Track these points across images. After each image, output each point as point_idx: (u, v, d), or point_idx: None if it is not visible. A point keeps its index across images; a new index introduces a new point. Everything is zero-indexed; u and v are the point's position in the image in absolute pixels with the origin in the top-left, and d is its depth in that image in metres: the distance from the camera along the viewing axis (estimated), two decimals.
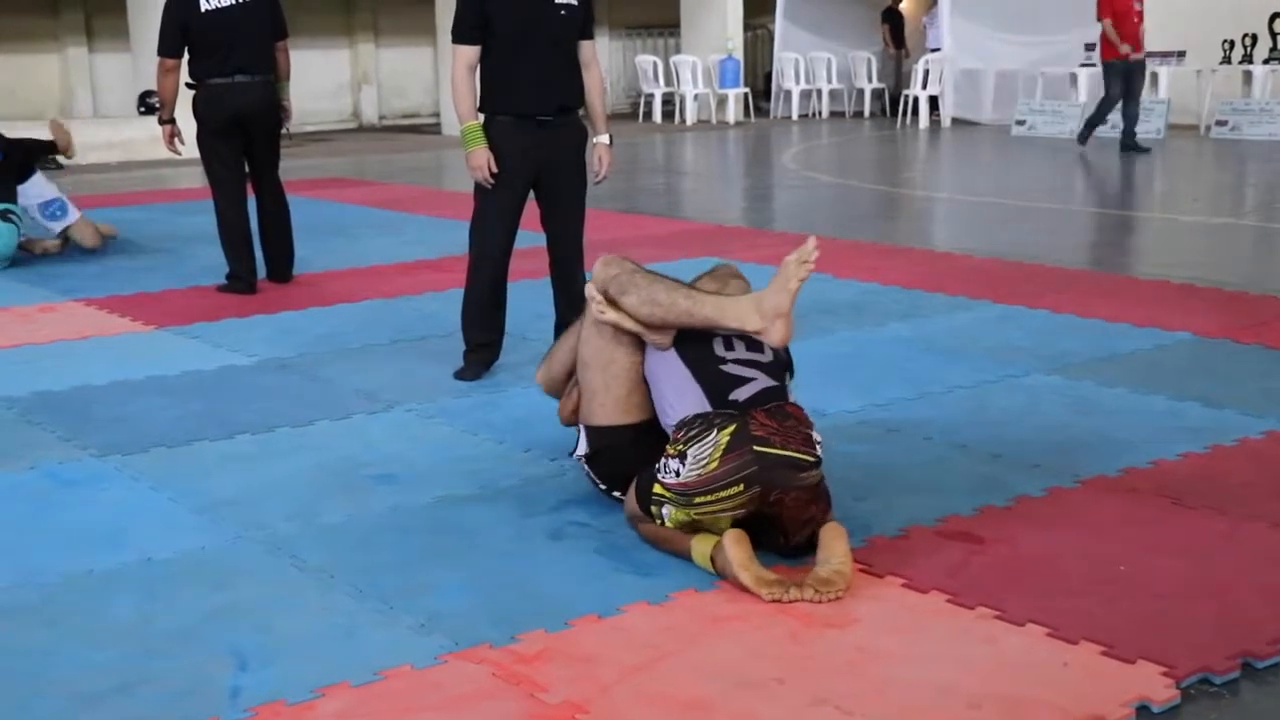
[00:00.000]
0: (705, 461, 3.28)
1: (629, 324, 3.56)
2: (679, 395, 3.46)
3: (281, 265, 7.46)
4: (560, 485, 4.04)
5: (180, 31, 6.96)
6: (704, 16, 19.82)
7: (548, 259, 5.47)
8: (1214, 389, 4.88)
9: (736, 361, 3.47)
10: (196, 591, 3.33)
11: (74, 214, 8.36)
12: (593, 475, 3.78)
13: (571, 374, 3.92)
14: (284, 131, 7.42)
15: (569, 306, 5.47)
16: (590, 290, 3.64)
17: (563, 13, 5.11)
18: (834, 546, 3.25)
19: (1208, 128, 15.46)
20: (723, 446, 3.27)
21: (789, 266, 3.36)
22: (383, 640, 3.04)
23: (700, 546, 3.34)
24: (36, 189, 8.25)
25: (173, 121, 7.23)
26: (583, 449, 3.73)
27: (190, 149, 7.39)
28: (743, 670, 2.86)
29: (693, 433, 3.35)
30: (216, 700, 2.78)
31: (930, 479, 3.67)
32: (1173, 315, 6.07)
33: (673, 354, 3.52)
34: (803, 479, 3.29)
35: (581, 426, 3.75)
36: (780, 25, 20.21)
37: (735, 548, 3.21)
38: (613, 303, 3.57)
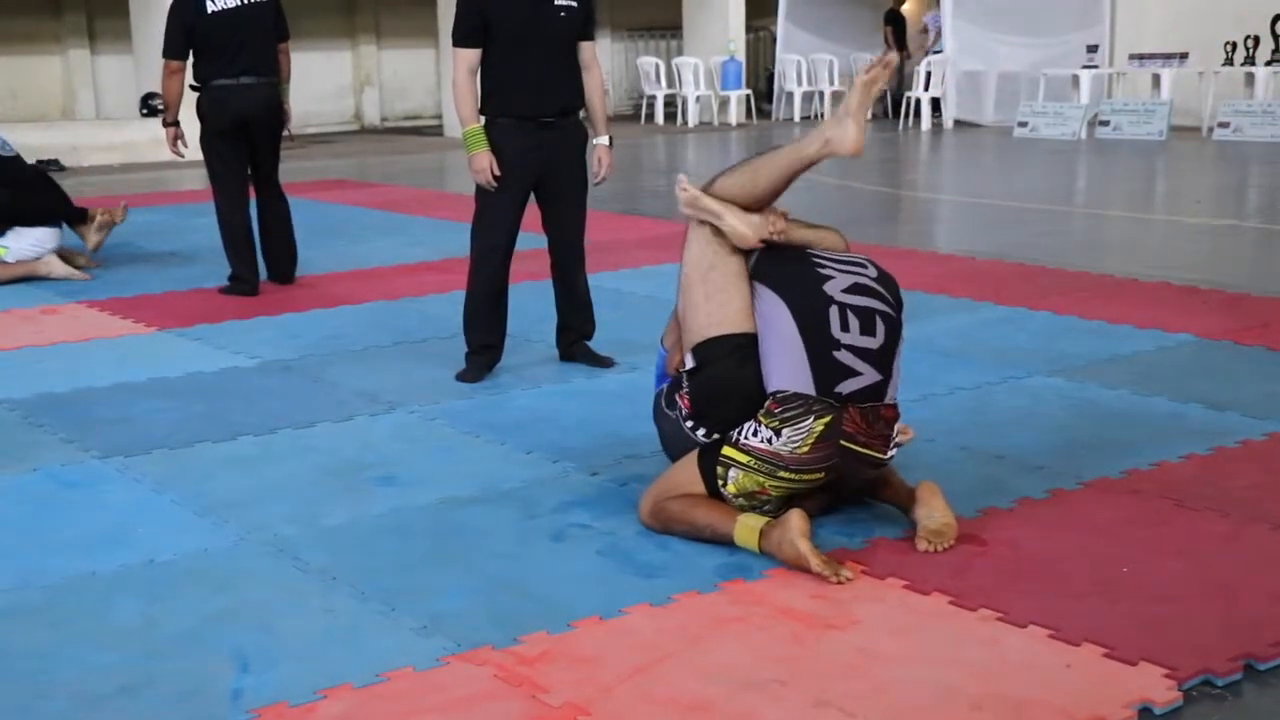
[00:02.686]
0: (798, 445, 3.42)
1: (706, 202, 3.63)
2: (788, 366, 3.46)
3: (284, 267, 7.47)
4: (562, 487, 4.04)
5: (185, 33, 6.97)
6: (706, 18, 19.82)
7: (549, 261, 5.47)
8: (1216, 391, 4.88)
9: (850, 349, 3.46)
10: (199, 593, 3.33)
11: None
12: (685, 400, 3.64)
13: None
14: (285, 133, 7.44)
15: (570, 308, 5.48)
16: (681, 179, 3.73)
17: (562, 14, 5.10)
18: (934, 502, 3.51)
19: (1210, 129, 15.46)
20: (816, 434, 3.41)
21: (861, 71, 3.61)
22: (385, 642, 3.04)
23: (749, 523, 3.41)
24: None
25: (177, 124, 7.25)
26: (689, 364, 3.63)
27: (193, 151, 7.39)
28: (745, 671, 2.86)
29: (790, 413, 3.42)
30: (219, 702, 2.78)
31: (933, 480, 3.67)
32: (1175, 317, 6.07)
33: (789, 321, 3.48)
34: (871, 473, 3.59)
35: (687, 354, 3.66)
36: (782, 27, 20.21)
37: (801, 521, 3.32)
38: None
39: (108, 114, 17.78)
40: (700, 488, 3.56)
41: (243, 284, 7.21)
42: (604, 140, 5.37)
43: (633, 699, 2.75)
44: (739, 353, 3.55)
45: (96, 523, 3.85)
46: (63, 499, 4.08)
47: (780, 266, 3.62)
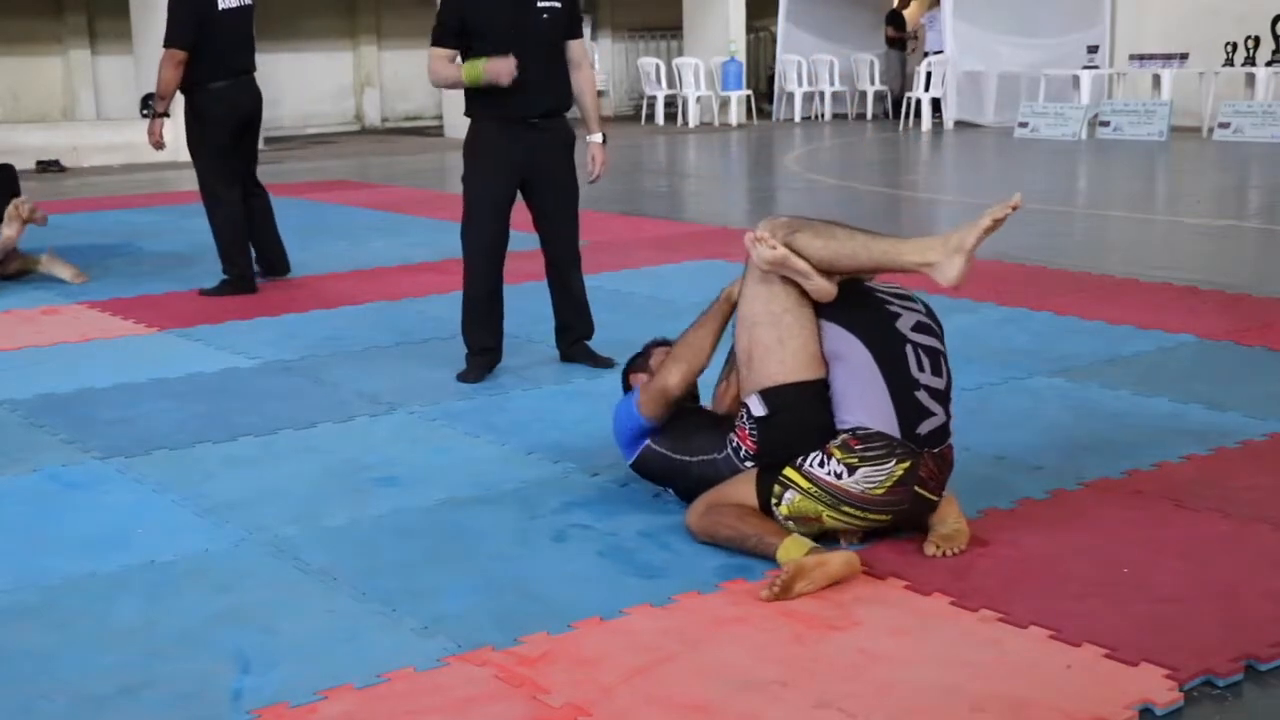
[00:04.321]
0: (875, 486, 3.38)
1: (795, 263, 3.42)
2: (872, 404, 3.40)
3: (278, 258, 7.52)
4: (563, 488, 4.04)
5: (195, 25, 6.91)
6: (706, 19, 19.81)
7: (544, 261, 5.46)
8: (1217, 391, 4.88)
9: (926, 389, 3.43)
10: (200, 594, 3.33)
11: None
12: (749, 443, 3.54)
13: (701, 365, 3.75)
14: None
15: (568, 309, 5.47)
16: (752, 233, 3.49)
17: (544, 15, 5.08)
18: (947, 509, 3.51)
19: (1210, 130, 15.46)
20: (896, 478, 3.38)
21: (990, 209, 3.37)
22: (385, 642, 3.04)
23: (792, 548, 3.31)
24: None
25: (168, 115, 7.25)
26: (759, 410, 3.50)
27: (174, 148, 7.43)
28: (745, 672, 2.86)
29: (872, 453, 3.37)
30: (220, 703, 2.78)
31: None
32: (1176, 317, 6.07)
33: (868, 360, 3.42)
34: (926, 516, 3.52)
35: (752, 394, 3.52)
36: (782, 27, 20.21)
37: (845, 569, 3.25)
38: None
39: (108, 115, 17.78)
40: (753, 503, 3.50)
41: (242, 282, 7.20)
42: (597, 138, 5.35)
43: (633, 700, 2.75)
44: (817, 400, 3.48)
45: (97, 523, 3.86)
46: (63, 500, 4.08)
47: (846, 303, 3.50)
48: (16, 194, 7.96)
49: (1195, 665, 2.82)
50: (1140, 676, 2.80)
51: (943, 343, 3.57)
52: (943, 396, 3.49)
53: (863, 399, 3.42)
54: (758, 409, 3.51)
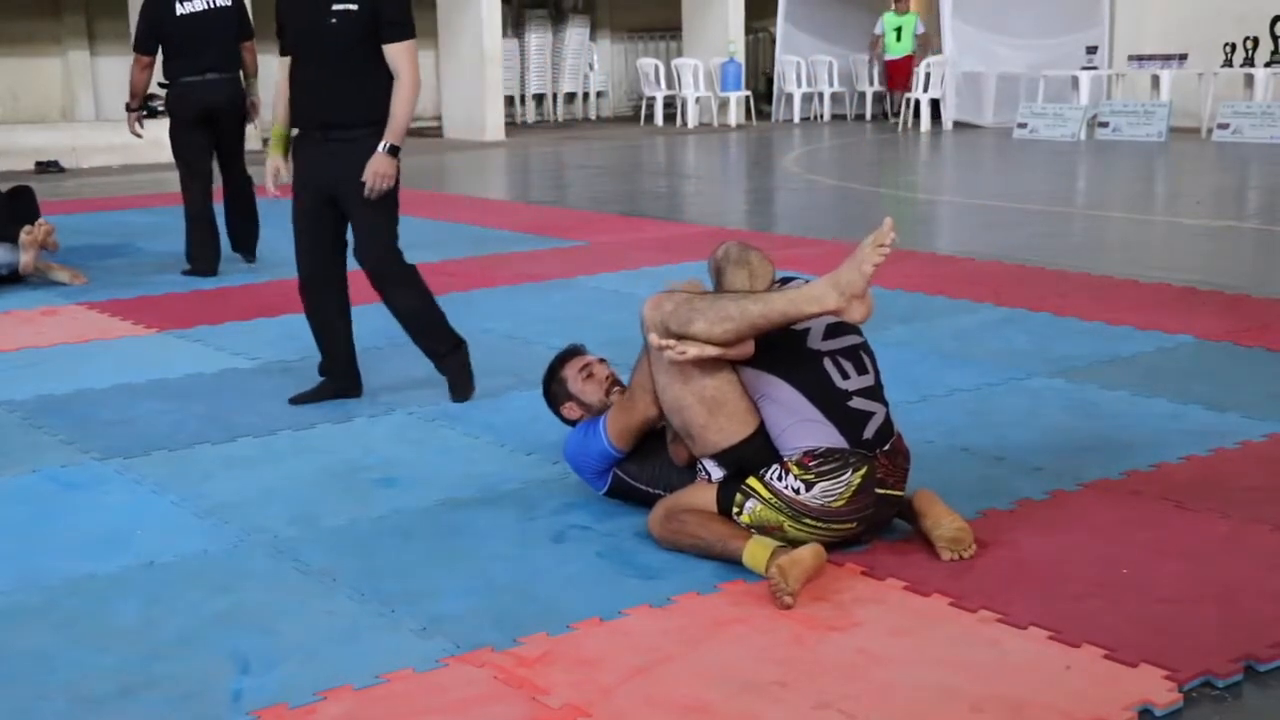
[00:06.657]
0: (834, 498, 3.36)
1: (710, 352, 3.36)
2: (812, 429, 3.38)
3: (247, 241, 8.10)
4: (562, 488, 4.04)
5: (155, 32, 7.59)
6: (705, 19, 19.83)
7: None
8: (1216, 392, 4.88)
9: (859, 394, 3.43)
10: (199, 595, 3.33)
11: None
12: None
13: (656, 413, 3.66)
14: (253, 125, 8.11)
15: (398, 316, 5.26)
16: (653, 339, 3.39)
17: (333, 20, 4.69)
18: (936, 510, 3.48)
19: (1209, 130, 15.48)
20: (854, 488, 3.36)
21: (864, 249, 3.32)
22: (385, 643, 3.04)
23: (757, 550, 3.30)
24: None
25: (140, 109, 7.97)
26: (718, 474, 3.52)
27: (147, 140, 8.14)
28: (745, 673, 2.86)
29: (827, 467, 3.36)
30: (219, 704, 2.78)
31: (933, 482, 3.67)
32: (1175, 318, 6.07)
33: (792, 393, 3.40)
34: (894, 513, 3.55)
35: (702, 461, 3.55)
36: (781, 28, 20.23)
37: (816, 560, 3.24)
38: (680, 338, 3.38)
39: (107, 115, 17.75)
40: (713, 509, 3.50)
41: (199, 263, 7.81)
42: (381, 146, 4.76)
43: (633, 701, 2.75)
44: (763, 441, 3.46)
45: (96, 524, 3.85)
46: (63, 500, 4.08)
47: (756, 344, 3.45)
48: (37, 217, 8.01)
49: (1195, 666, 2.83)
50: (1140, 677, 2.80)
51: (858, 331, 3.53)
52: (874, 391, 3.48)
53: (800, 428, 3.40)
54: (716, 472, 3.53)
